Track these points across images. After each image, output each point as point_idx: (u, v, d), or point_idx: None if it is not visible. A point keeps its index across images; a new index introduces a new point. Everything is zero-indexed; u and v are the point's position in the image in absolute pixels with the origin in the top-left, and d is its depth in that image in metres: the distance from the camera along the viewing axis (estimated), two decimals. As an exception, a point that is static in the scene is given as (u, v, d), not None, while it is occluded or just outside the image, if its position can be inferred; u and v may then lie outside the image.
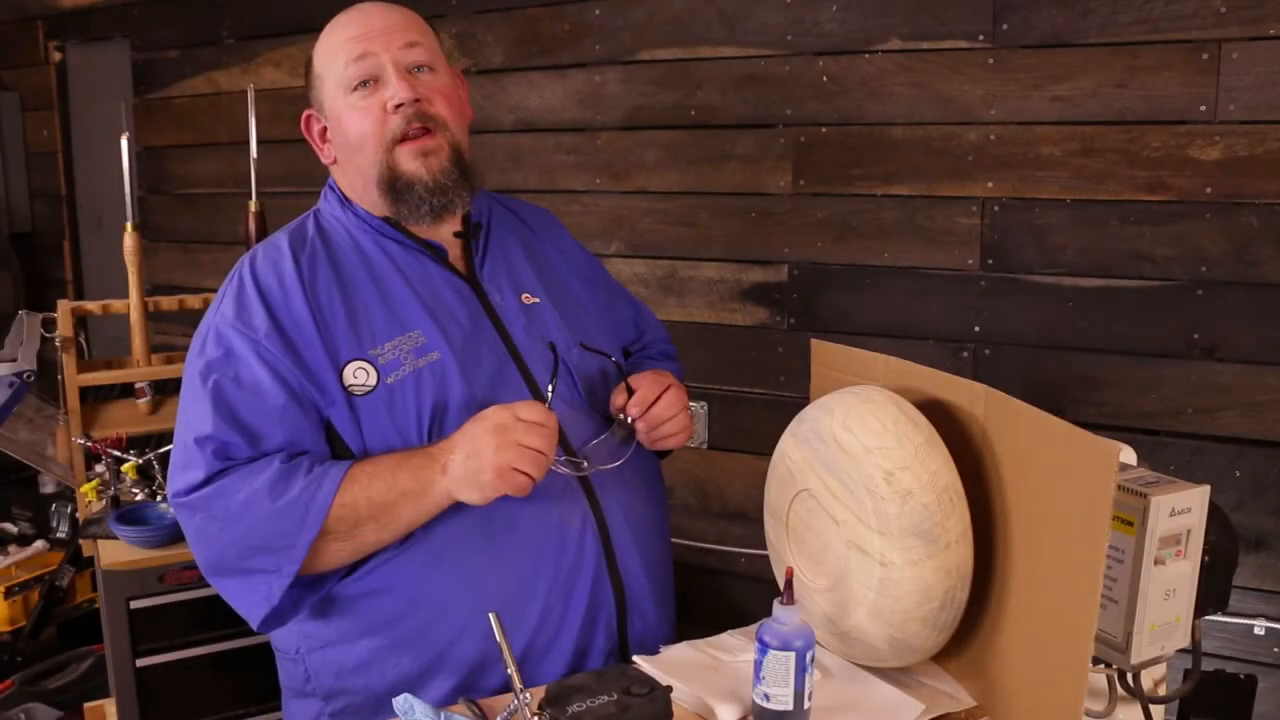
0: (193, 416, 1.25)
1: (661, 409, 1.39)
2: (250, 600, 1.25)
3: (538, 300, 1.43)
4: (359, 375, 1.28)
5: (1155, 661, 1.11)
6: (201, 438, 1.23)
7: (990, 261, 2.41)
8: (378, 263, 1.36)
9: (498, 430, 1.21)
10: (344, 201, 1.40)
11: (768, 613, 1.13)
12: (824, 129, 2.59)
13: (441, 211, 1.36)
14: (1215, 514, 1.11)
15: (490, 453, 1.20)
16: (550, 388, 1.31)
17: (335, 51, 1.35)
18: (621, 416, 1.39)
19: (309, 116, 1.41)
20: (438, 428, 1.29)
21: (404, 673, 1.30)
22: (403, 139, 1.33)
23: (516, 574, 1.30)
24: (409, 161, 1.33)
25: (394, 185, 1.33)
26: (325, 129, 1.40)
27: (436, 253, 1.38)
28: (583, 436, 1.36)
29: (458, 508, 1.26)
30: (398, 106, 1.32)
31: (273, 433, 1.25)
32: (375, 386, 1.28)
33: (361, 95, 1.33)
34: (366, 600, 1.31)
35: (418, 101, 1.32)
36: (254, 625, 1.27)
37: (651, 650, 1.33)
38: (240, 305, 1.30)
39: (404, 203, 1.34)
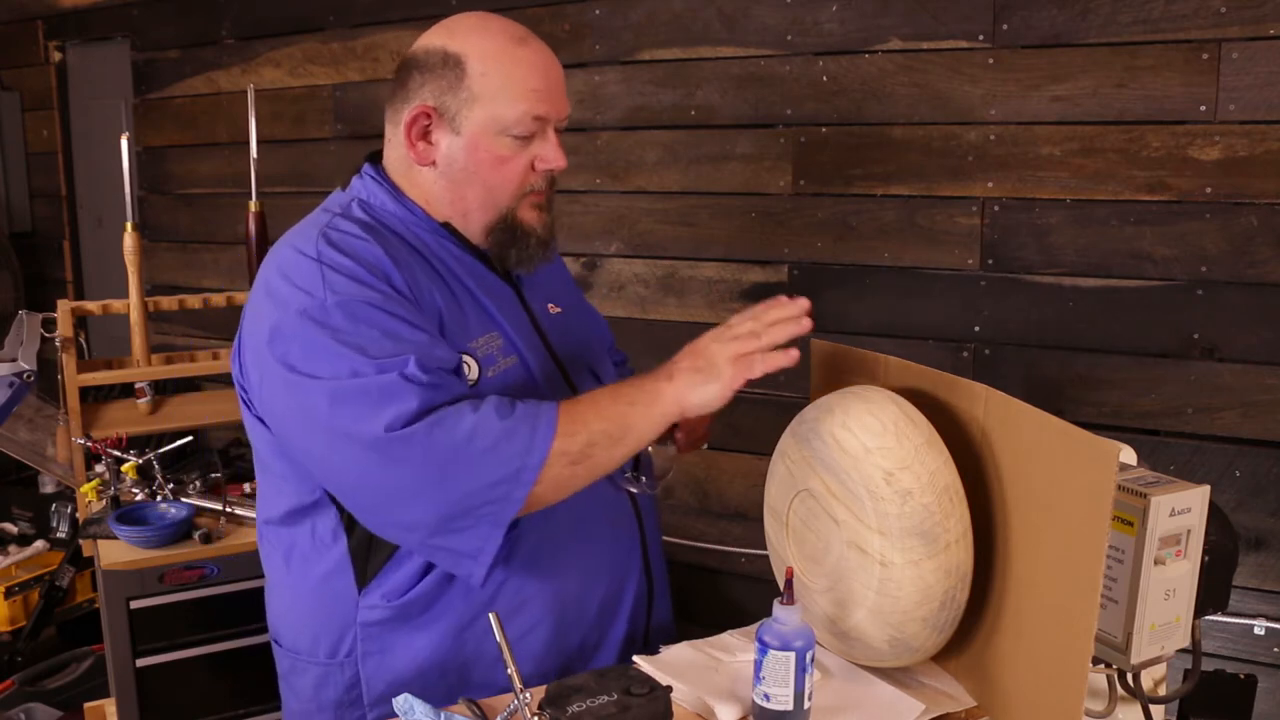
0: (359, 364, 1.16)
1: (697, 419, 1.45)
2: (470, 539, 1.18)
3: (561, 310, 1.47)
4: (463, 369, 1.26)
5: (1155, 661, 1.11)
6: (409, 373, 1.15)
7: (990, 261, 2.41)
8: (445, 260, 1.34)
9: (716, 336, 1.22)
10: (395, 195, 1.35)
11: (768, 613, 1.13)
12: (824, 129, 2.59)
13: (544, 262, 1.38)
14: (1215, 514, 1.11)
15: (717, 348, 1.21)
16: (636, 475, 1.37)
17: (512, 92, 1.29)
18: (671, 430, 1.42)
19: (422, 113, 1.31)
20: None
21: (466, 676, 1.31)
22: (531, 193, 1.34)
23: (585, 572, 1.35)
24: (528, 212, 1.34)
25: (514, 231, 1.34)
26: (429, 128, 1.31)
27: (483, 256, 1.38)
28: None
29: (545, 514, 1.24)
30: (548, 170, 1.33)
31: (461, 383, 1.22)
32: (478, 381, 1.27)
33: (514, 140, 1.30)
34: (439, 605, 1.29)
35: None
36: (483, 568, 1.19)
37: (667, 635, 1.39)
38: (354, 279, 1.21)
39: (516, 248, 1.34)
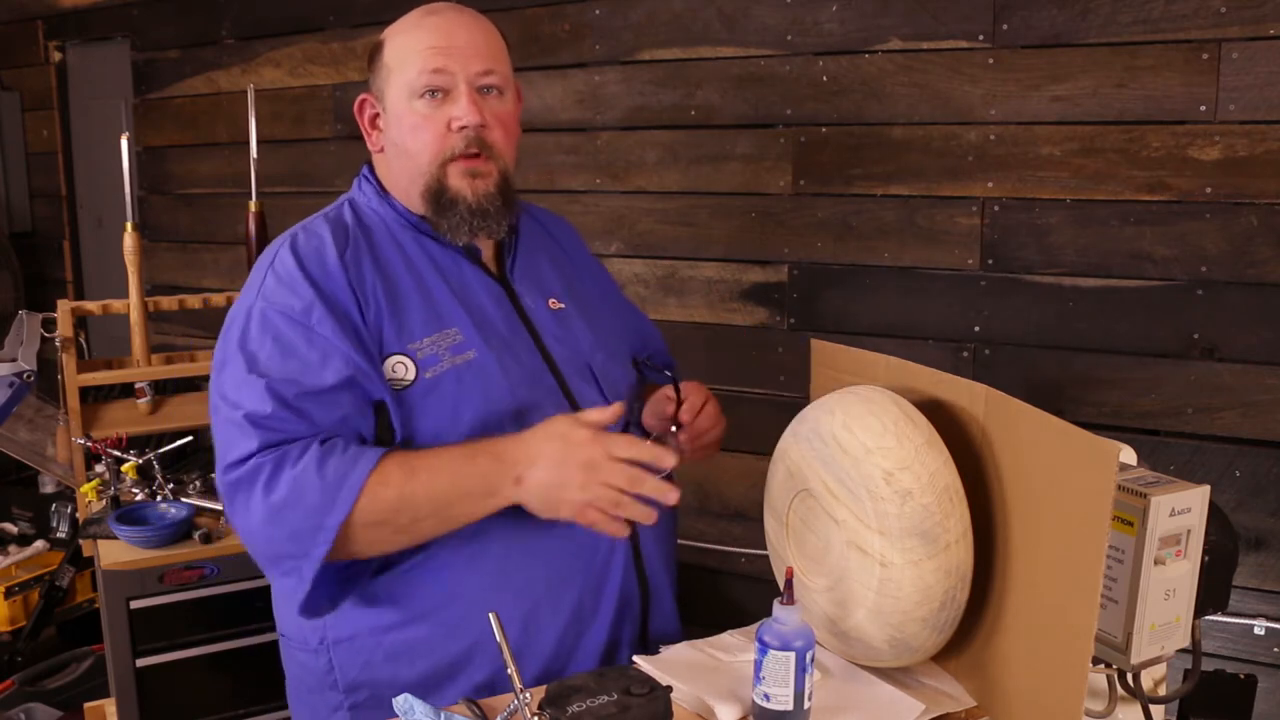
0: (244, 398, 1.23)
1: (705, 420, 1.42)
2: (287, 585, 1.24)
3: (564, 307, 1.46)
4: (398, 369, 1.29)
5: (1155, 661, 1.11)
6: (254, 415, 1.21)
7: (990, 261, 2.41)
8: (416, 259, 1.36)
9: (588, 467, 1.18)
10: (381, 193, 1.41)
11: (768, 613, 1.13)
12: (824, 129, 2.59)
13: (480, 233, 1.37)
14: (1215, 514, 1.11)
15: (576, 488, 1.19)
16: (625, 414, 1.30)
17: (412, 55, 1.34)
18: (672, 429, 1.40)
19: (364, 101, 1.41)
20: (480, 427, 1.29)
21: (434, 664, 1.31)
22: (456, 157, 1.34)
23: (553, 569, 1.33)
24: (458, 178, 1.34)
25: (440, 198, 1.35)
26: (377, 116, 1.40)
27: (471, 253, 1.40)
28: None
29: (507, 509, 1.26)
30: (461, 128, 1.33)
31: (323, 411, 1.24)
32: (413, 381, 1.28)
33: (428, 104, 1.33)
34: (403, 593, 1.31)
35: (481, 127, 1.34)
36: (299, 609, 1.25)
37: (671, 642, 1.35)
38: (288, 289, 1.28)
39: (446, 217, 1.35)
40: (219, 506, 2.07)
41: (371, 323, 1.29)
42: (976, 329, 2.45)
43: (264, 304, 1.28)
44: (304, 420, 1.23)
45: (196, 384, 3.18)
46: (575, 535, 1.31)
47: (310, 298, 1.26)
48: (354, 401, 1.26)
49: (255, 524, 1.21)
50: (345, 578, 1.28)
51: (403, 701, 1.13)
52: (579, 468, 1.18)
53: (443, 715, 1.12)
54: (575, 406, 1.37)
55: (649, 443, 1.34)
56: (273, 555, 1.23)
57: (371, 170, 1.44)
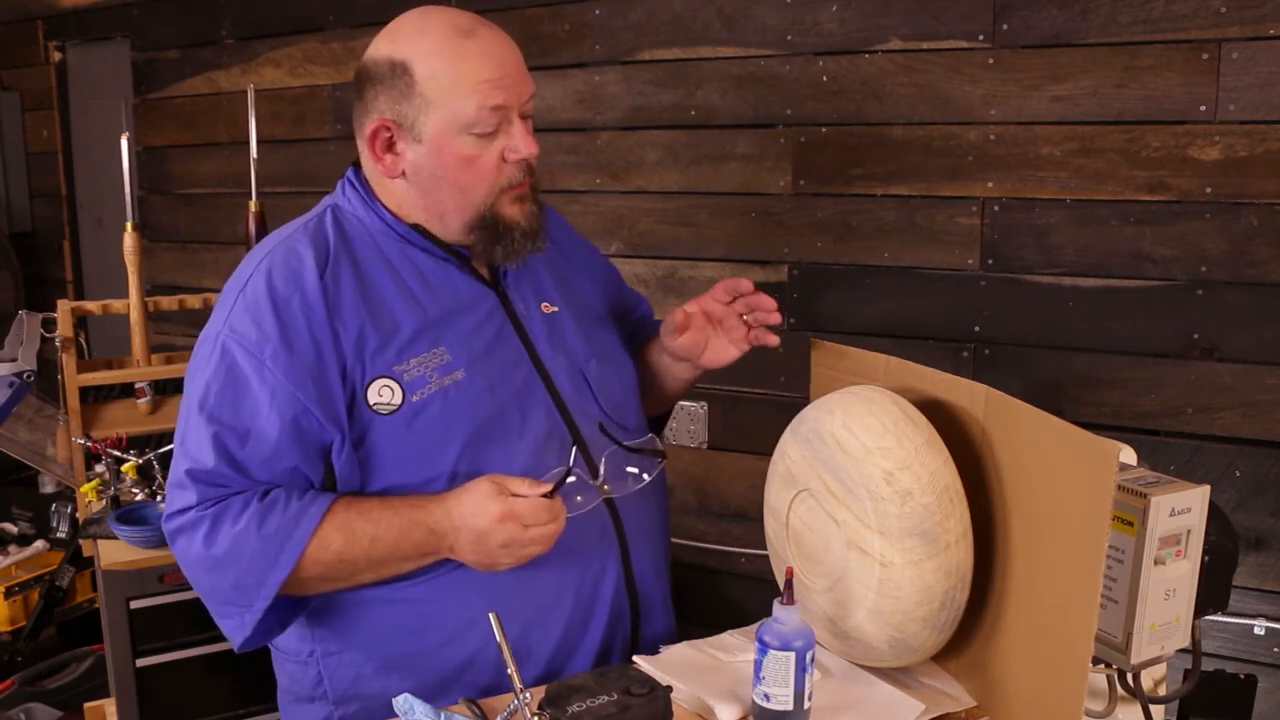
0: (190, 444, 1.24)
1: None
2: (228, 625, 1.27)
3: (556, 309, 1.42)
4: (384, 394, 1.26)
5: (1155, 661, 1.11)
6: (195, 470, 1.22)
7: (990, 261, 2.41)
8: (403, 271, 1.32)
9: (506, 545, 1.20)
10: (367, 201, 1.35)
11: (768, 613, 1.13)
12: (824, 129, 2.59)
13: (533, 253, 1.35)
14: (1215, 514, 1.11)
15: (505, 558, 1.22)
16: (563, 477, 1.26)
17: (464, 88, 1.26)
18: (652, 438, 1.39)
19: (381, 126, 1.31)
20: (468, 453, 1.28)
21: (424, 681, 1.30)
22: (509, 187, 1.32)
23: (544, 591, 1.31)
24: (509, 206, 1.32)
25: (495, 229, 1.32)
26: (393, 140, 1.31)
27: (462, 259, 1.36)
28: (602, 455, 1.34)
29: None
30: (520, 160, 1.31)
31: (266, 466, 1.24)
32: (400, 405, 1.25)
33: (478, 138, 1.28)
34: (393, 609, 1.30)
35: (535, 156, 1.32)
36: (237, 646, 1.28)
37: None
38: (251, 319, 1.24)
39: (501, 244, 1.32)
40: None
41: (350, 348, 1.25)
42: (976, 329, 2.45)
43: (227, 333, 1.25)
44: (245, 476, 1.23)
45: (196, 384, 3.18)
46: (567, 557, 1.30)
47: (271, 330, 1.23)
48: (301, 449, 1.24)
49: (198, 571, 1.24)
50: (293, 604, 1.29)
51: (403, 701, 1.13)
52: (499, 548, 1.21)
53: (443, 715, 1.12)
54: (568, 417, 1.35)
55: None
56: (218, 599, 1.26)
57: (357, 174, 1.38)
